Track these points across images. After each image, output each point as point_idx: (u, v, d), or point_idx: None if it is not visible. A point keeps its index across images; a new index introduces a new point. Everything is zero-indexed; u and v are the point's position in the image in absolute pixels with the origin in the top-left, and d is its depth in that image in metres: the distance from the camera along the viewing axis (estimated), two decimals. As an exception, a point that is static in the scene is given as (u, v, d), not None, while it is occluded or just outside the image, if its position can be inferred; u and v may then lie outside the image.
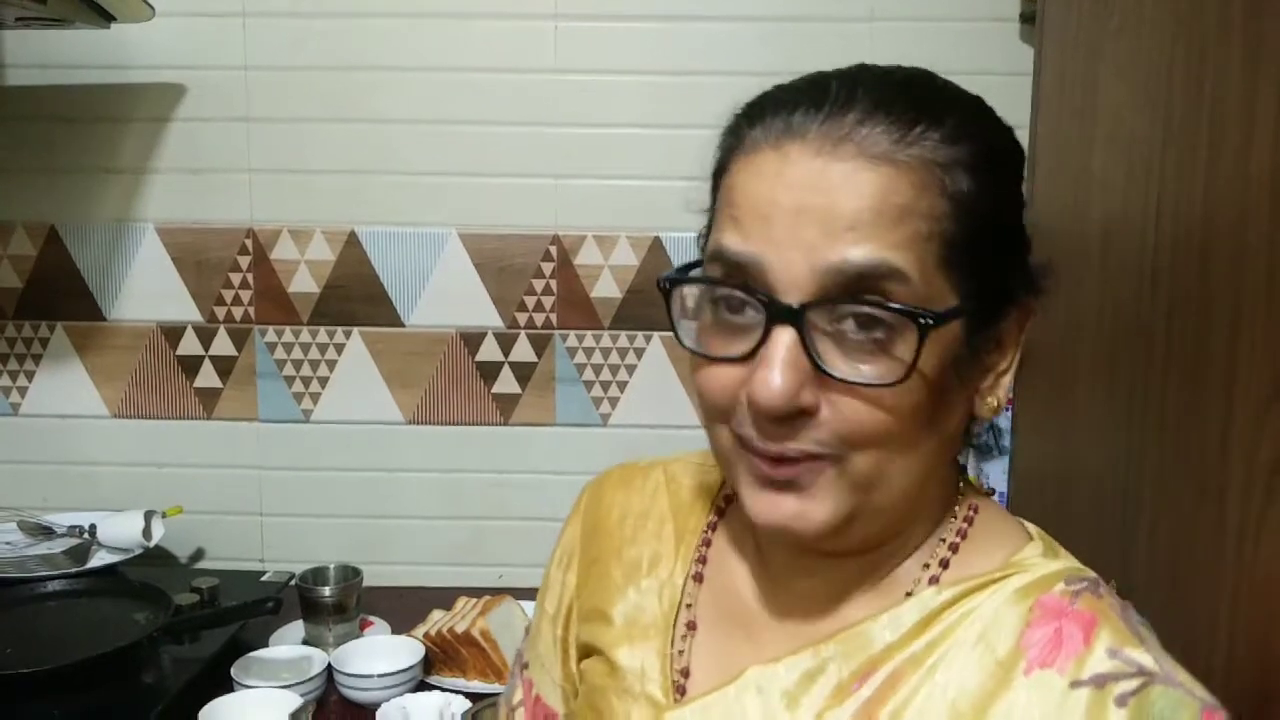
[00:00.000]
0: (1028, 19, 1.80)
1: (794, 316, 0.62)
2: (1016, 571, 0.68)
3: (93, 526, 1.79)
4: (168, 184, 1.90)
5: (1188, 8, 0.83)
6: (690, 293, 0.69)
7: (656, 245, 1.90)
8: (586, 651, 0.83)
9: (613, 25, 1.87)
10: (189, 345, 1.94)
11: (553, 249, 1.92)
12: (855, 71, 0.67)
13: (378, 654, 1.56)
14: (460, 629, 1.58)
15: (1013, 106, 1.63)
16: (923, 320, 0.60)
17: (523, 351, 1.94)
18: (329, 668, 1.52)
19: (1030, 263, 0.69)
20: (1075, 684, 0.62)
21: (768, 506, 0.66)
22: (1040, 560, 0.69)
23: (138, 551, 1.76)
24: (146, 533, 1.77)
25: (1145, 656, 0.62)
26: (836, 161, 0.62)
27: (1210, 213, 0.79)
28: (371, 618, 1.74)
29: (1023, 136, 1.27)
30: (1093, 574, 0.68)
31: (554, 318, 1.94)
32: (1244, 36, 0.74)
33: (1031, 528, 0.73)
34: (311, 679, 1.48)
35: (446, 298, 1.93)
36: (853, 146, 0.62)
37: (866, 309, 0.61)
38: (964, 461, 0.75)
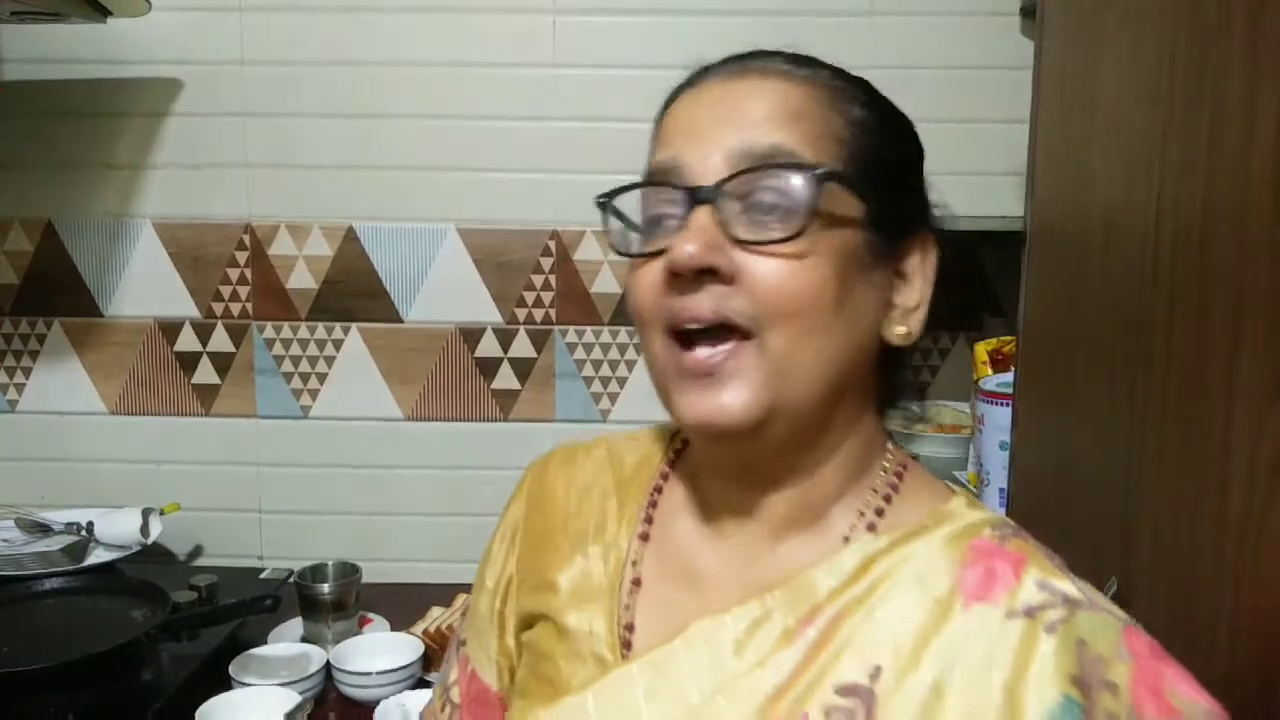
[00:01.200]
0: (1028, 13, 1.79)
1: (709, 194, 0.69)
2: (946, 521, 0.73)
3: (90, 524, 1.79)
4: (165, 179, 1.90)
5: (1189, 1, 0.83)
6: (627, 207, 0.76)
7: (656, 240, 1.89)
8: (530, 622, 0.85)
9: (611, 20, 1.86)
10: (187, 341, 1.93)
11: (552, 244, 1.91)
12: (762, 49, 0.78)
13: (377, 651, 1.56)
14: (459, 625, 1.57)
15: (1013, 100, 1.64)
16: (817, 171, 0.68)
17: (522, 347, 1.94)
18: (327, 665, 1.52)
19: (930, 204, 0.77)
20: (1010, 614, 0.67)
21: (693, 402, 0.70)
22: (966, 511, 0.74)
23: (135, 549, 1.76)
24: (144, 530, 1.77)
25: (1070, 587, 0.68)
26: (743, 80, 0.73)
27: (1211, 208, 0.79)
28: (371, 614, 1.74)
29: (1023, 130, 1.27)
30: (1013, 523, 0.74)
31: (553, 313, 1.93)
32: (1245, 30, 0.73)
33: (955, 486, 0.79)
34: (310, 676, 1.48)
35: (445, 293, 1.92)
36: (754, 72, 0.74)
37: (770, 172, 0.69)
38: (890, 428, 0.80)
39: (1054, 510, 1.13)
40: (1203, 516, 0.80)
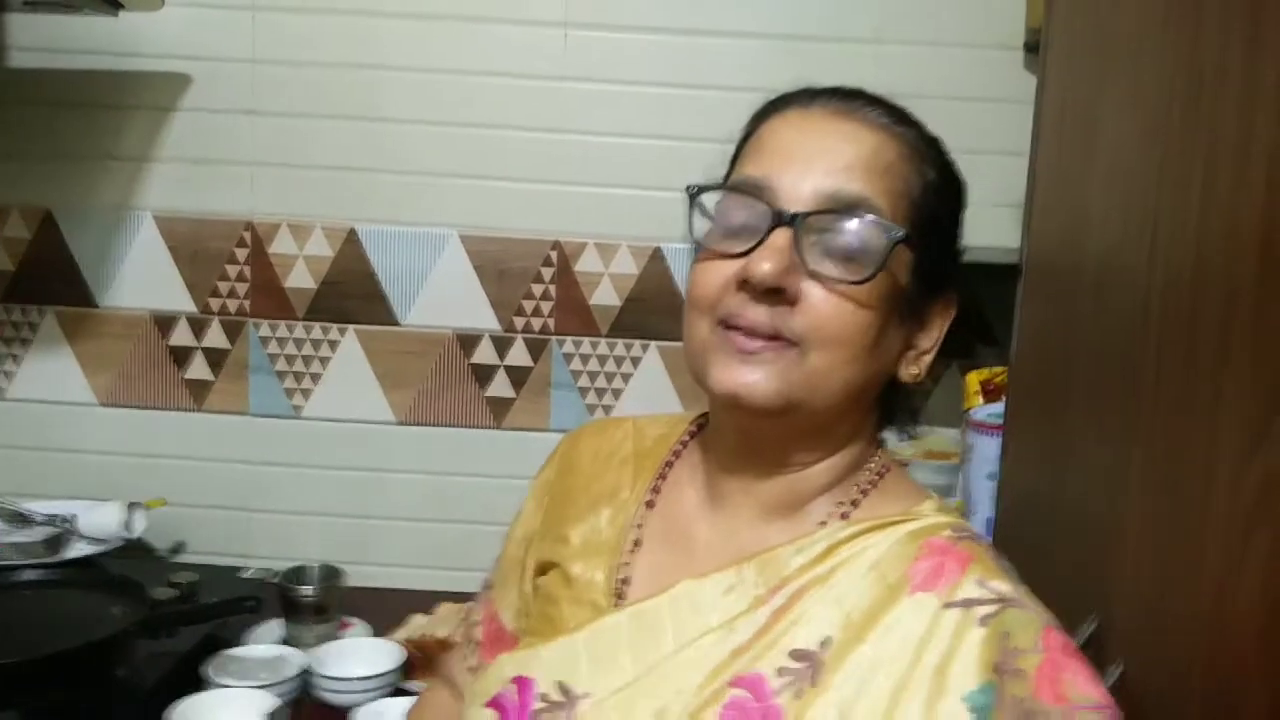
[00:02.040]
0: (1032, 48, 1.80)
1: (792, 220, 0.78)
2: (913, 519, 0.83)
3: (73, 516, 1.77)
4: (169, 173, 1.90)
5: (1188, 46, 0.83)
6: (710, 202, 0.85)
7: (657, 255, 1.90)
8: (544, 569, 0.96)
9: (623, 36, 1.87)
10: (181, 336, 1.93)
11: (553, 254, 1.91)
12: (862, 88, 0.86)
13: (357, 657, 1.54)
14: (441, 634, 1.57)
15: (1014, 133, 1.64)
16: (891, 233, 0.78)
17: (519, 355, 1.94)
18: (305, 669, 1.51)
19: (959, 268, 0.88)
20: (948, 605, 0.76)
21: (730, 374, 0.79)
22: (933, 513, 0.84)
23: (117, 543, 1.75)
24: (128, 524, 1.76)
25: (1005, 587, 0.77)
26: (846, 122, 0.82)
27: (1202, 253, 0.79)
28: (351, 619, 1.73)
29: (1023, 163, 1.27)
30: (974, 529, 0.84)
31: (552, 323, 1.93)
32: (1242, 77, 0.73)
33: (931, 493, 0.88)
34: (288, 680, 1.47)
35: (444, 299, 1.92)
36: (859, 115, 0.82)
37: (852, 221, 0.78)
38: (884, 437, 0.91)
39: (1039, 543, 1.13)
40: (1182, 558, 0.80)
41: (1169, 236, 0.85)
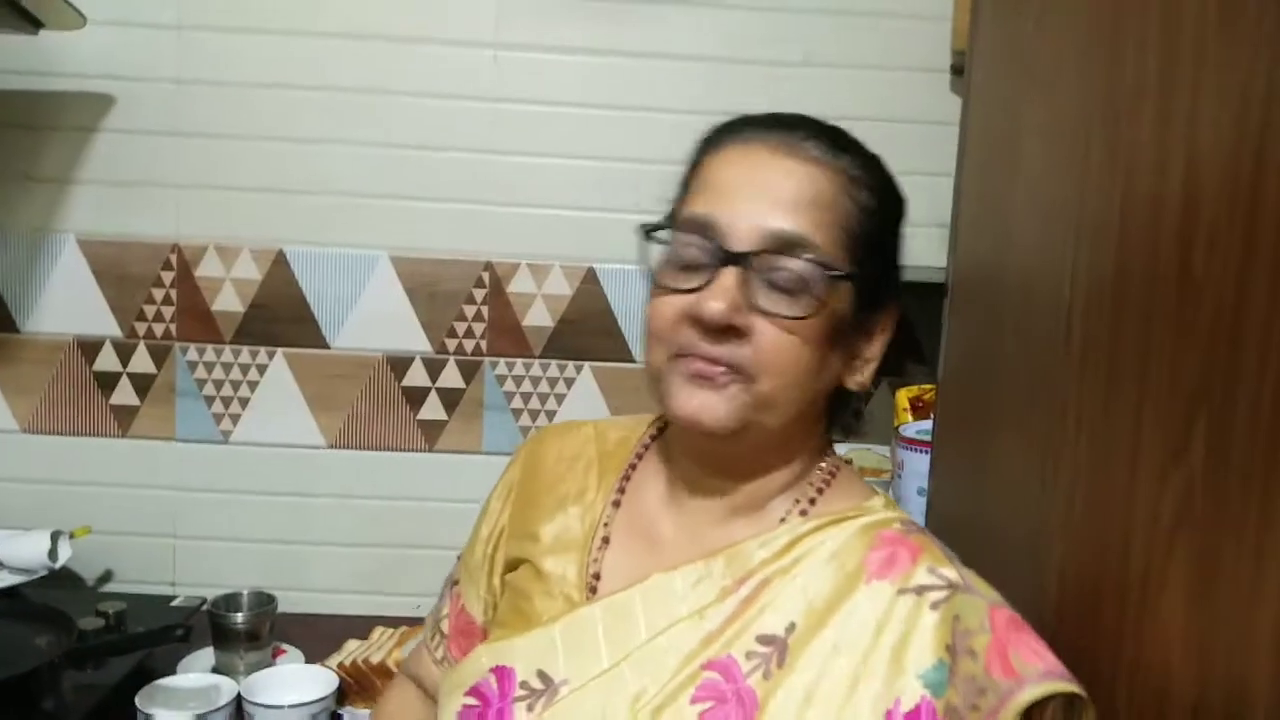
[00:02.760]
0: (958, 70, 1.84)
1: (739, 259, 0.84)
2: (865, 514, 0.91)
3: (-5, 546, 1.73)
4: (91, 195, 1.87)
5: (1106, 67, 0.86)
6: (661, 241, 0.90)
7: (590, 275, 1.91)
8: (514, 565, 1.01)
9: (552, 58, 1.88)
10: (106, 361, 1.90)
11: (485, 275, 1.91)
12: (802, 115, 0.91)
13: (289, 683, 1.52)
14: (375, 659, 1.55)
15: (941, 155, 1.67)
16: (830, 271, 0.84)
17: (451, 378, 1.93)
18: (238, 697, 1.48)
19: (899, 280, 0.94)
20: (901, 591, 0.84)
21: (687, 398, 0.86)
22: (883, 509, 0.92)
23: (42, 573, 1.71)
24: (52, 553, 1.72)
25: (953, 573, 0.85)
26: (786, 158, 0.86)
27: (1122, 273, 0.81)
28: (285, 645, 1.70)
29: (949, 184, 1.30)
30: (918, 524, 0.92)
31: (484, 344, 1.93)
32: (1158, 96, 0.76)
33: (880, 491, 0.97)
34: (220, 709, 1.44)
35: (374, 321, 1.91)
36: (798, 151, 0.86)
37: (794, 261, 0.83)
38: (836, 439, 1.00)
39: (967, 557, 1.15)
40: (1106, 570, 0.82)
41: (1090, 254, 0.88)
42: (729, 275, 0.83)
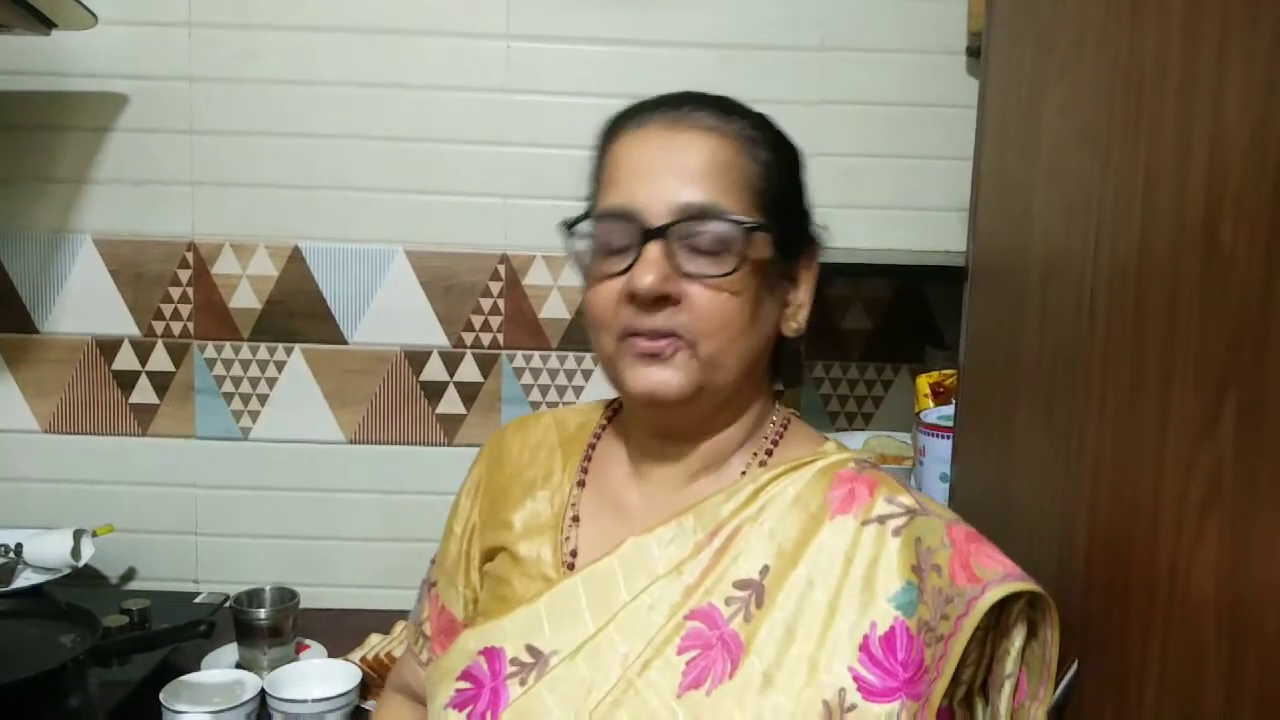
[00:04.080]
0: (974, 52, 1.82)
1: (659, 233, 0.89)
2: (820, 458, 0.97)
3: (19, 545, 1.74)
4: (107, 195, 1.87)
5: (1127, 43, 0.85)
6: (583, 233, 0.96)
7: (604, 267, 1.90)
8: (490, 555, 1.05)
9: (565, 47, 1.87)
10: (125, 360, 1.90)
11: (501, 268, 1.91)
12: (688, 91, 0.98)
13: (313, 678, 1.53)
14: (398, 653, 1.55)
15: (959, 138, 1.66)
16: (745, 225, 0.90)
17: (468, 371, 1.93)
18: (262, 692, 1.49)
19: (813, 225, 1.00)
20: (864, 522, 0.90)
21: (641, 377, 0.91)
22: (836, 451, 0.99)
23: (66, 571, 1.72)
24: (76, 552, 1.73)
25: (910, 500, 0.92)
26: (680, 132, 0.92)
27: (1146, 252, 0.80)
28: (308, 641, 1.71)
29: (967, 167, 1.29)
30: (871, 460, 0.99)
31: (501, 337, 1.93)
32: (1180, 70, 0.75)
33: (828, 436, 1.03)
34: (244, 704, 1.45)
35: (391, 316, 1.91)
36: (690, 123, 0.93)
37: (710, 223, 0.89)
38: (780, 389, 1.05)
39: (993, 541, 1.14)
40: (1135, 552, 0.81)
41: (1113, 232, 0.86)
42: (653, 249, 0.89)
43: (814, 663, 0.85)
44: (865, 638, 0.85)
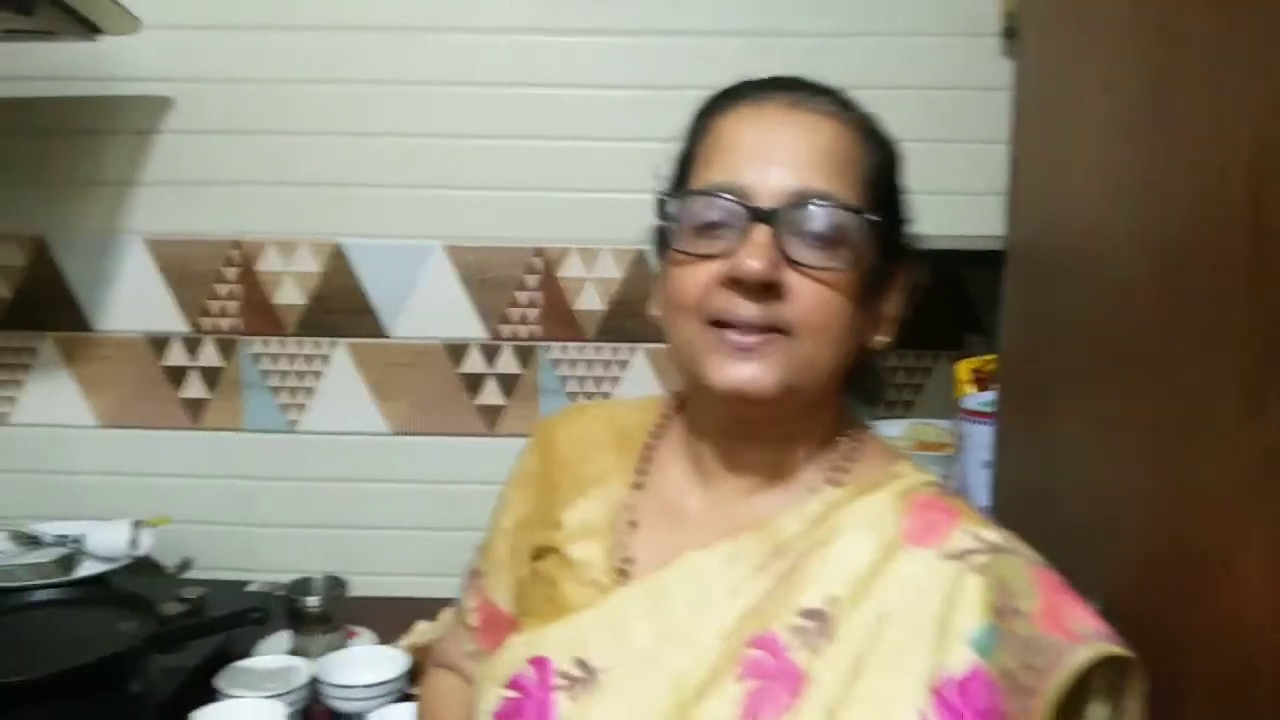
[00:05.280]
0: (1009, 34, 1.81)
1: (769, 216, 0.82)
2: (895, 480, 0.89)
3: (81, 536, 1.78)
4: (154, 196, 1.91)
5: (1163, 17, 0.84)
6: (679, 209, 0.87)
7: (639, 258, 1.91)
8: (540, 554, 0.98)
9: (594, 39, 1.89)
10: (176, 356, 1.94)
11: (536, 261, 1.93)
12: (797, 76, 0.91)
13: (363, 665, 1.56)
14: (446, 639, 1.58)
15: (992, 120, 1.67)
16: (864, 215, 0.83)
17: (507, 363, 1.95)
18: (314, 678, 1.52)
19: (912, 233, 0.92)
20: (943, 557, 0.82)
21: (729, 371, 0.83)
22: (913, 473, 0.90)
23: (125, 561, 1.76)
24: (134, 543, 1.77)
25: (994, 535, 0.83)
26: (802, 114, 0.86)
27: (1187, 228, 0.79)
28: (357, 628, 1.74)
29: (1004, 151, 1.29)
30: (950, 485, 0.91)
31: (538, 330, 1.95)
32: (1219, 43, 0.74)
33: (903, 452, 0.95)
34: (296, 689, 1.48)
35: (431, 309, 1.94)
36: (810, 106, 0.86)
37: (827, 210, 0.82)
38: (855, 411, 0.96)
39: (1036, 528, 1.14)
40: (1183, 534, 0.80)
41: (1154, 212, 0.86)
42: (761, 233, 0.82)
43: (881, 703, 0.77)
44: (939, 680, 0.77)
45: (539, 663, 0.88)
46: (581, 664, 0.86)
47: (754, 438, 0.90)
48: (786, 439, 0.90)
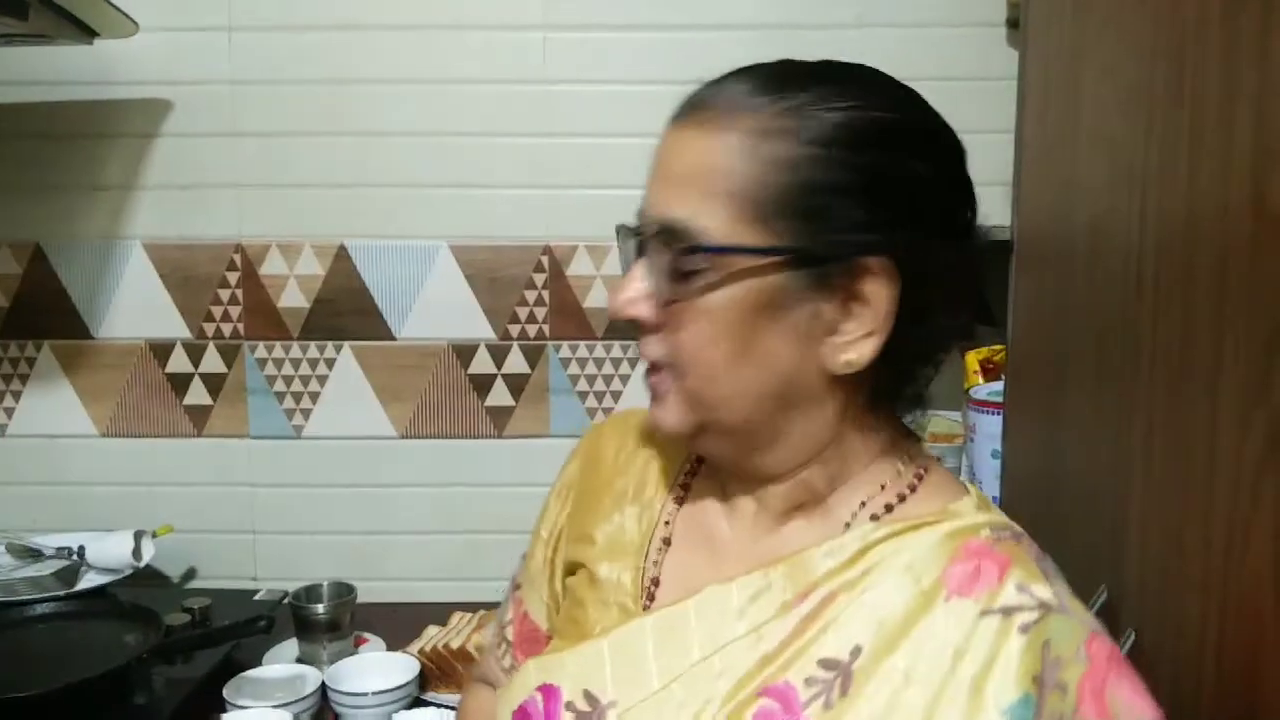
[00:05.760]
0: (1014, 24, 1.80)
1: (640, 249, 0.78)
2: (951, 518, 0.78)
3: (81, 548, 1.78)
4: (154, 200, 1.90)
5: (1167, 6, 0.83)
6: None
7: (647, 254, 1.89)
8: (572, 569, 0.94)
9: (602, 35, 1.87)
10: (178, 362, 1.93)
11: (544, 260, 1.91)
12: (739, 68, 0.81)
13: (372, 671, 1.55)
14: (455, 645, 1.57)
15: (1000, 111, 1.64)
16: (702, 249, 0.74)
17: (516, 363, 1.94)
18: (323, 686, 1.51)
19: (888, 229, 0.74)
20: (986, 612, 0.72)
21: (652, 412, 0.82)
22: (972, 511, 0.79)
23: (128, 572, 1.75)
24: (136, 553, 1.76)
25: (1046, 592, 0.72)
26: (683, 130, 0.78)
27: (1193, 213, 0.79)
28: (366, 634, 1.73)
29: (1010, 140, 1.27)
30: (1017, 528, 0.78)
31: (546, 329, 1.93)
32: (1222, 28, 0.73)
33: (972, 487, 0.83)
34: (305, 698, 1.47)
35: (438, 310, 1.92)
36: (690, 119, 0.78)
37: (676, 243, 0.75)
38: (913, 425, 0.86)
39: (1046, 517, 1.13)
40: (1190, 521, 0.80)
41: (1159, 198, 0.85)
42: (638, 266, 0.78)
43: None
44: None
45: (548, 691, 0.84)
46: (589, 697, 0.81)
47: (750, 474, 0.83)
48: (785, 473, 0.81)
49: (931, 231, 0.76)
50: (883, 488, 0.81)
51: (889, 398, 0.82)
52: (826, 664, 0.74)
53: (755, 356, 0.76)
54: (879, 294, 0.74)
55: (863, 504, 0.80)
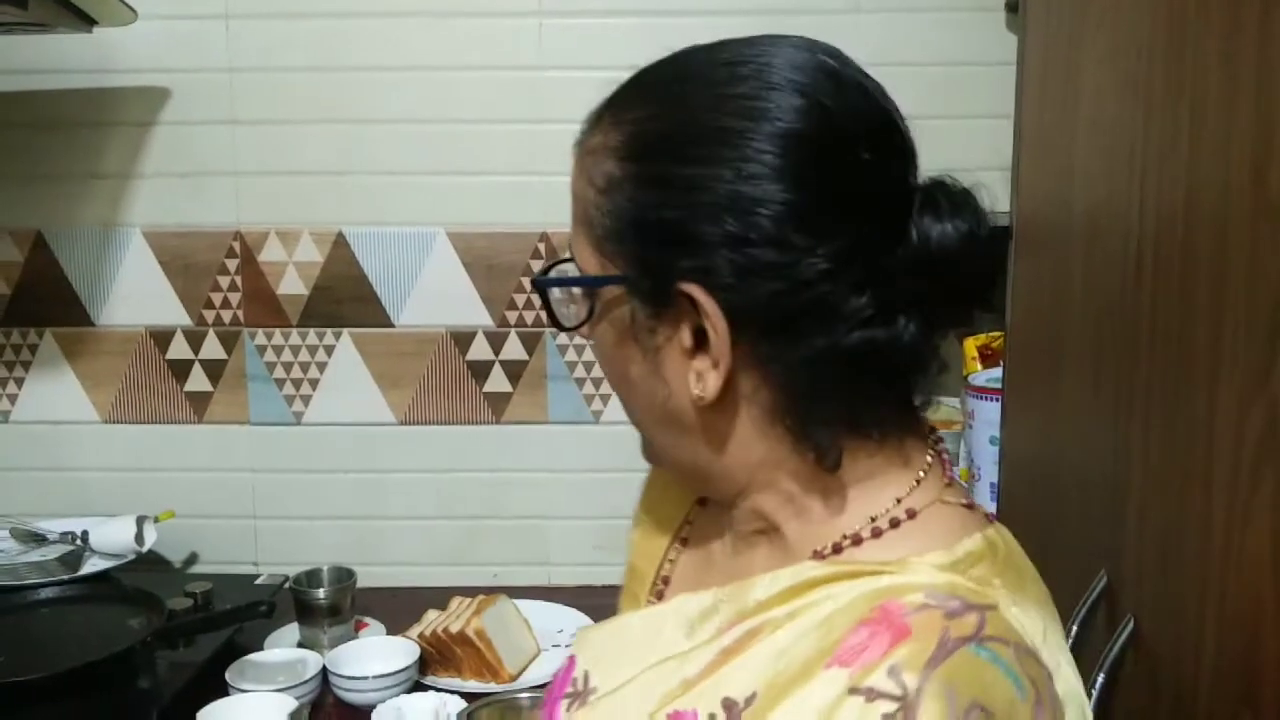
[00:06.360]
0: (1013, 7, 1.80)
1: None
2: (898, 571, 0.66)
3: (85, 533, 1.78)
4: (153, 188, 1.90)
5: (1167, -5, 0.83)
6: None
7: (645, 241, 1.90)
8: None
9: (597, 21, 1.87)
10: (178, 349, 1.94)
11: (541, 246, 1.91)
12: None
13: (372, 655, 1.56)
14: (455, 629, 1.58)
15: (999, 96, 1.64)
16: (563, 282, 0.75)
17: (513, 350, 1.94)
18: (324, 670, 1.52)
19: (705, 250, 0.66)
20: (853, 690, 0.61)
21: None
22: (928, 568, 0.66)
23: (130, 557, 1.76)
24: (139, 538, 1.77)
25: (915, 680, 0.59)
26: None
27: (1192, 198, 0.79)
28: (366, 619, 1.74)
29: (1009, 126, 1.28)
30: (984, 600, 0.64)
31: (545, 315, 1.93)
32: (1221, 18, 0.74)
33: (970, 538, 0.69)
34: (306, 681, 1.48)
35: (436, 297, 1.93)
36: (580, 141, 0.77)
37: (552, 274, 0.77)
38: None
39: (1044, 503, 1.14)
40: (1189, 506, 0.80)
41: (1157, 183, 0.85)
42: None
43: None
44: None
45: (570, 662, 0.84)
46: (586, 677, 0.81)
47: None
48: (729, 496, 0.76)
49: (764, 242, 0.65)
50: (873, 520, 0.70)
51: (825, 423, 0.69)
52: (727, 703, 0.67)
53: (634, 385, 0.73)
54: (716, 322, 0.66)
55: (826, 540, 0.71)
